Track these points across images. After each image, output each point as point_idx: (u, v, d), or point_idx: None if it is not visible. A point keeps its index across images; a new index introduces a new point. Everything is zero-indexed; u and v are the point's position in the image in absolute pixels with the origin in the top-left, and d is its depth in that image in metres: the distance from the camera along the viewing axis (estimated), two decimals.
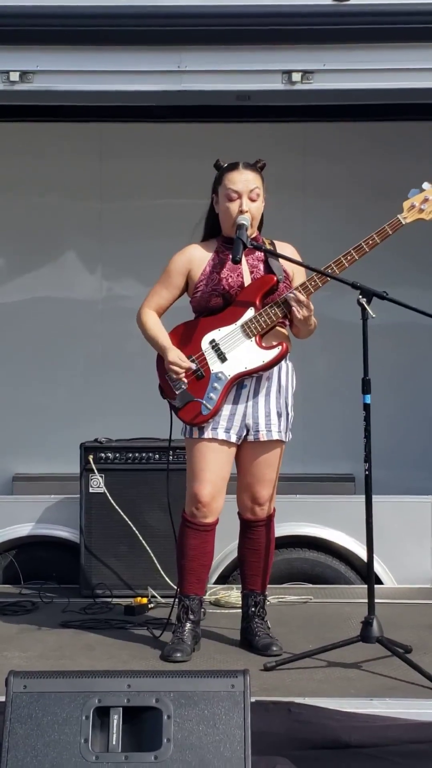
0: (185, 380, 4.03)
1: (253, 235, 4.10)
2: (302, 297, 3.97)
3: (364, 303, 3.88)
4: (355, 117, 5.60)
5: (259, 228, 4.16)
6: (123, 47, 4.73)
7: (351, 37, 4.70)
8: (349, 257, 3.98)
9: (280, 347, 4.03)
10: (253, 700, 3.16)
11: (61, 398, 5.88)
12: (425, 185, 4.05)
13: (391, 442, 5.47)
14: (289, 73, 4.74)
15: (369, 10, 4.66)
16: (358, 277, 3.96)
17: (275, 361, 4.03)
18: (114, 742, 3.07)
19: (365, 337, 3.89)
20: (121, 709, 3.09)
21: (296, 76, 4.73)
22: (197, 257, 4.12)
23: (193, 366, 4.03)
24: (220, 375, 4.03)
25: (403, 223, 4.01)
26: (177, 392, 4.06)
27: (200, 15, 4.69)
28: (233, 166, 4.08)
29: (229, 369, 4.03)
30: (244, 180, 4.04)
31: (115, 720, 3.08)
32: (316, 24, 4.69)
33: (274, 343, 4.04)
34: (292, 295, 3.99)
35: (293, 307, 3.98)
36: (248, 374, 4.03)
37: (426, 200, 4.02)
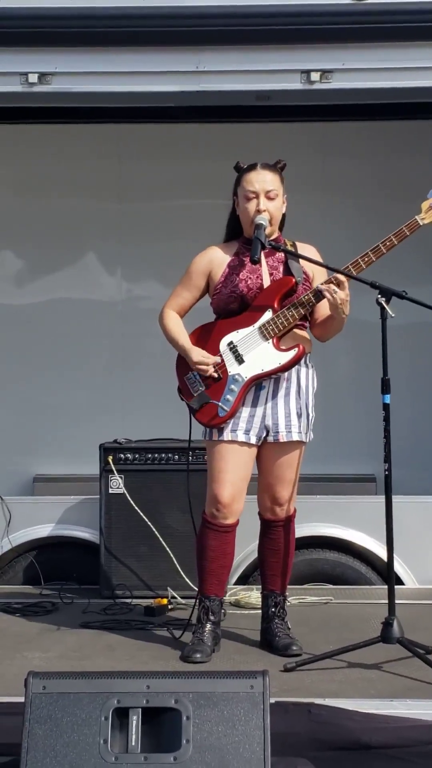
0: (215, 375, 4.02)
1: (274, 236, 4.09)
2: (341, 277, 3.93)
3: (383, 302, 3.86)
4: (374, 116, 5.58)
5: (282, 229, 4.15)
6: (141, 48, 4.75)
7: (370, 36, 4.69)
8: (366, 259, 3.96)
9: (296, 349, 4.01)
10: (272, 701, 3.14)
11: (80, 399, 5.89)
12: None
13: (411, 441, 5.45)
14: (308, 72, 4.74)
15: (388, 8, 4.66)
16: (376, 276, 3.95)
17: (292, 363, 4.02)
18: (133, 743, 3.06)
19: (384, 336, 3.87)
20: (140, 709, 3.08)
21: (315, 76, 4.73)
22: (218, 259, 4.12)
23: (218, 359, 4.02)
24: (237, 377, 4.03)
25: (421, 224, 3.98)
26: (195, 394, 4.07)
27: (218, 15, 4.70)
28: (251, 167, 4.08)
29: (246, 371, 4.02)
30: (261, 180, 4.04)
31: (135, 721, 3.07)
32: (335, 23, 4.68)
33: (291, 345, 4.02)
34: (323, 286, 3.94)
35: (328, 295, 3.92)
36: (265, 376, 4.02)
37: None
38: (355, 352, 5.58)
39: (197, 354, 4.04)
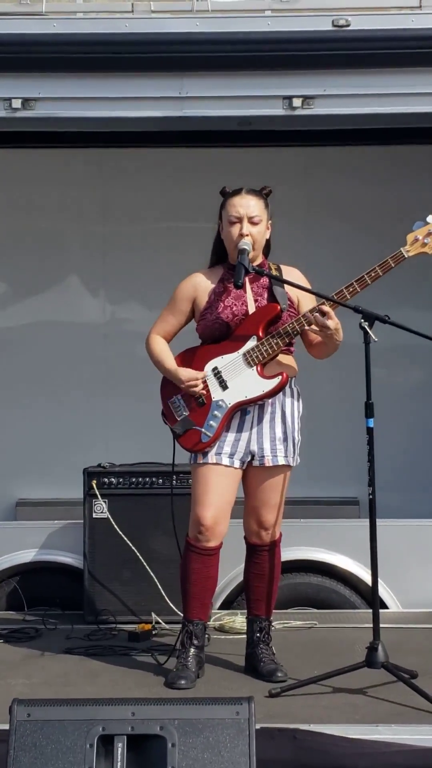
0: (204, 393, 4.02)
1: (259, 261, 4.11)
2: (326, 308, 3.95)
3: (366, 327, 3.88)
4: (356, 142, 5.61)
5: (267, 254, 4.17)
6: (125, 74, 4.76)
7: (351, 62, 4.72)
8: (351, 289, 3.98)
9: (280, 377, 4.02)
10: (258, 727, 3.13)
11: (64, 423, 5.87)
12: (430, 218, 4.03)
13: (394, 465, 5.44)
14: (290, 98, 4.76)
15: (369, 35, 4.69)
16: (358, 300, 3.97)
17: (275, 391, 4.03)
18: None
19: (368, 360, 3.89)
20: (125, 737, 3.07)
21: (297, 102, 4.75)
22: (202, 285, 4.14)
23: (207, 373, 4.02)
24: (220, 403, 4.04)
25: (406, 256, 4.00)
26: (178, 419, 4.07)
27: (201, 42, 4.72)
28: (236, 192, 4.11)
29: (230, 397, 4.03)
30: (245, 205, 4.06)
31: (120, 748, 3.06)
32: (317, 50, 4.71)
33: (275, 373, 4.03)
34: (309, 317, 3.96)
35: (309, 329, 3.95)
36: (248, 403, 4.04)
37: (430, 234, 3.98)
38: (337, 374, 5.59)
39: (185, 373, 4.05)
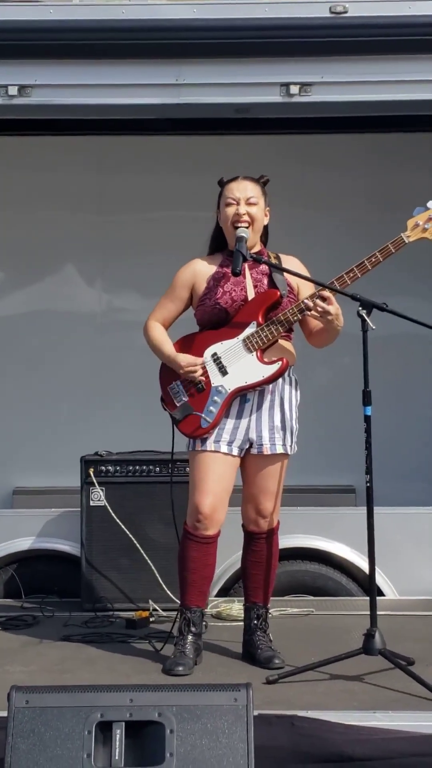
0: (203, 378, 4.02)
1: (257, 248, 4.11)
2: (327, 293, 3.95)
3: (364, 315, 3.88)
4: (354, 129, 5.61)
5: (266, 242, 4.16)
6: (121, 61, 4.75)
7: (349, 49, 4.71)
8: (351, 275, 3.97)
9: (280, 362, 4.03)
10: (256, 713, 3.14)
11: (61, 411, 5.87)
12: (430, 204, 4.02)
13: (391, 453, 5.45)
14: (287, 85, 4.76)
15: (367, 22, 4.68)
16: (357, 288, 3.96)
17: (275, 377, 4.03)
18: (117, 757, 3.05)
19: (365, 348, 3.89)
20: (123, 723, 3.08)
21: (294, 89, 4.75)
22: (202, 271, 4.14)
23: (207, 359, 4.02)
24: (220, 388, 4.04)
25: (407, 242, 3.99)
26: (178, 404, 4.07)
27: (198, 28, 4.71)
28: (233, 178, 4.12)
29: (230, 383, 4.03)
30: (242, 188, 4.08)
31: (118, 734, 3.07)
32: (314, 36, 4.70)
33: (275, 358, 4.03)
34: (309, 303, 3.96)
35: (313, 313, 3.95)
36: (248, 388, 4.03)
37: (430, 219, 3.98)
38: (336, 363, 5.60)
39: (184, 358, 4.04)
